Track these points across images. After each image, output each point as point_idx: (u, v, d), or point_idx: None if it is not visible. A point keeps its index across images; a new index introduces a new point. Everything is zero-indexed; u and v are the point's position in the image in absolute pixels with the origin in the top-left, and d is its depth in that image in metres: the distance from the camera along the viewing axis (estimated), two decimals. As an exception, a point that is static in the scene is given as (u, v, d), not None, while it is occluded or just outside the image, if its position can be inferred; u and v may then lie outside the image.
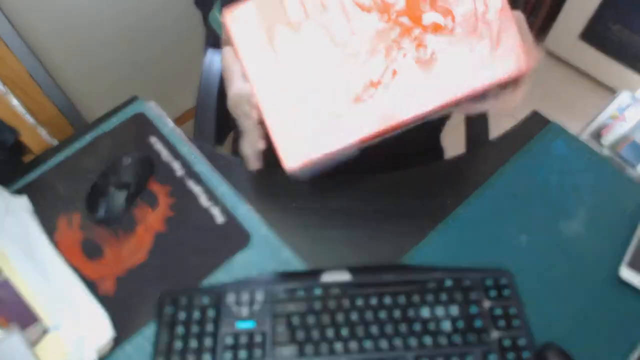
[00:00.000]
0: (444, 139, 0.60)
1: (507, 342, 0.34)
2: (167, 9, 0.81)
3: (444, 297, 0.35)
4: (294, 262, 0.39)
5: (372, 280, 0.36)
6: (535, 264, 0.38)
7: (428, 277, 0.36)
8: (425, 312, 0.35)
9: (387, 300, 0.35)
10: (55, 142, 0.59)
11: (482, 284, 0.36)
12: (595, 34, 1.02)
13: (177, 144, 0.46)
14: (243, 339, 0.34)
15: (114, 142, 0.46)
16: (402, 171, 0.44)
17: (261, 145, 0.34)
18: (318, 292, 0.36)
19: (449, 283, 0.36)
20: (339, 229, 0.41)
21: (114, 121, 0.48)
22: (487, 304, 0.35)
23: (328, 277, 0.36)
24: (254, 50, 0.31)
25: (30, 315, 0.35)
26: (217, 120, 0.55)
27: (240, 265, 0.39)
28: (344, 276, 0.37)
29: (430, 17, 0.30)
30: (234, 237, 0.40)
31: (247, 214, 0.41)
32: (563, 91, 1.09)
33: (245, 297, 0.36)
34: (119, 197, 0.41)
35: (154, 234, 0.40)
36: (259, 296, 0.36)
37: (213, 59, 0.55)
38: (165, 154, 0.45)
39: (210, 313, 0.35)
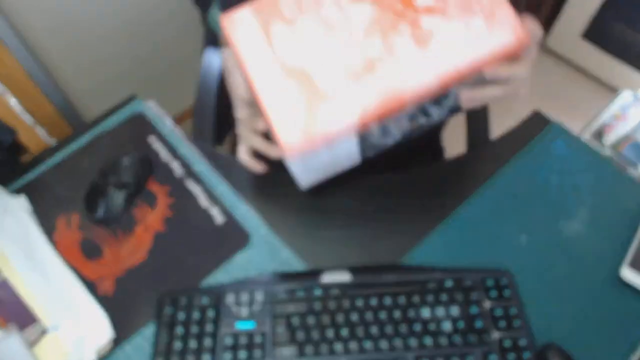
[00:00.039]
0: (444, 139, 0.60)
1: (507, 343, 0.34)
2: (166, 8, 0.81)
3: (444, 297, 0.35)
4: (294, 262, 0.39)
5: (372, 281, 0.36)
6: (535, 264, 0.38)
7: (428, 277, 0.36)
8: (425, 313, 0.35)
9: (387, 300, 0.35)
10: (53, 142, 0.58)
11: (482, 284, 0.36)
12: (597, 33, 1.02)
13: (176, 143, 0.45)
14: (243, 340, 0.34)
15: (112, 142, 0.46)
16: (402, 171, 0.44)
17: (260, 144, 0.34)
18: (318, 292, 0.36)
19: (449, 283, 0.36)
20: (339, 229, 0.41)
21: (113, 120, 0.47)
22: (487, 304, 0.35)
23: (328, 278, 0.36)
24: (252, 52, 0.31)
25: (29, 316, 0.35)
26: (216, 119, 0.54)
27: (240, 266, 0.39)
28: (344, 276, 0.36)
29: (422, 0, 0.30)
30: (234, 237, 0.40)
31: (247, 214, 0.41)
32: (565, 90, 1.09)
33: (245, 297, 0.36)
34: (118, 197, 0.41)
35: (154, 234, 0.40)
36: (259, 296, 0.36)
37: (212, 58, 0.55)
38: (164, 153, 0.45)
39: (210, 313, 0.35)
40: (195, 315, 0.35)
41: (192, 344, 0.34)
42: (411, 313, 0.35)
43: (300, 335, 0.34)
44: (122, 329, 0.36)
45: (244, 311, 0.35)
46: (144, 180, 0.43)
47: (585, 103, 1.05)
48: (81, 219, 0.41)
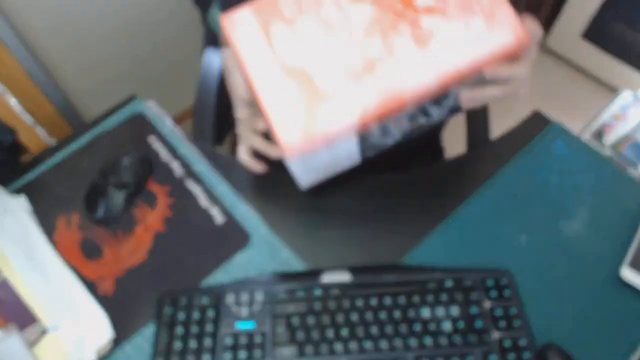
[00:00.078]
0: (444, 138, 0.60)
1: (507, 343, 0.34)
2: (166, 8, 0.81)
3: (444, 297, 0.35)
4: (294, 262, 0.39)
5: (372, 281, 0.36)
6: (535, 264, 0.38)
7: (428, 277, 0.36)
8: (425, 313, 0.35)
9: (387, 300, 0.35)
10: (53, 142, 0.58)
11: (482, 284, 0.36)
12: (597, 33, 1.02)
13: (176, 143, 0.45)
14: (243, 340, 0.34)
15: (112, 142, 0.46)
16: (402, 171, 0.44)
17: (260, 144, 0.34)
18: (318, 292, 0.36)
19: (449, 283, 0.36)
20: (339, 229, 0.41)
21: (113, 120, 0.47)
22: (487, 304, 0.35)
23: (328, 278, 0.36)
24: (252, 52, 0.31)
25: (29, 316, 0.35)
26: (216, 119, 0.54)
27: (240, 266, 0.39)
28: (344, 276, 0.36)
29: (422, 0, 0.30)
30: (234, 237, 0.40)
31: (247, 214, 0.41)
32: (565, 90, 1.09)
33: (244, 297, 0.36)
34: (118, 197, 0.41)
35: (154, 234, 0.40)
36: (259, 296, 0.36)
37: (212, 58, 0.55)
38: (164, 153, 0.45)
39: (210, 313, 0.35)
40: (195, 315, 0.35)
41: (192, 344, 0.34)
42: (411, 313, 0.35)
43: (300, 335, 0.34)
44: (122, 329, 0.36)
45: (244, 311, 0.35)
46: (144, 180, 0.43)
47: (585, 103, 1.05)
48: (81, 219, 0.41)
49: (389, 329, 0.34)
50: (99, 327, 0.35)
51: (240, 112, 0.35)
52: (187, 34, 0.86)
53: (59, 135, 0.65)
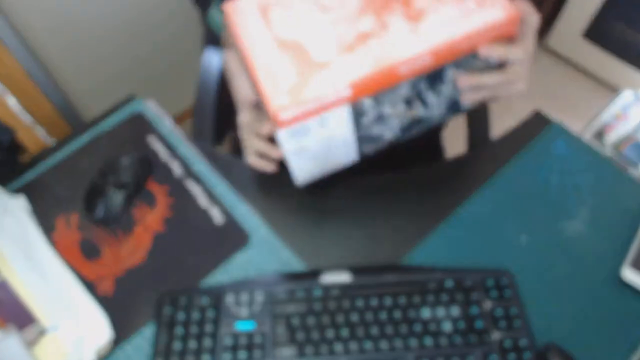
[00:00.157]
0: (444, 138, 0.59)
1: (508, 343, 0.33)
2: (166, 8, 0.81)
3: (444, 297, 0.35)
4: (294, 262, 0.39)
5: (372, 281, 0.36)
6: (536, 264, 0.38)
7: (428, 277, 0.36)
8: (425, 313, 0.35)
9: (388, 300, 0.35)
10: (53, 142, 0.58)
11: (483, 284, 0.36)
12: (598, 32, 1.02)
13: (175, 143, 0.45)
14: (243, 340, 0.34)
15: (112, 142, 0.46)
16: (402, 171, 0.44)
17: (271, 150, 0.34)
18: (318, 292, 0.35)
19: (449, 283, 0.36)
20: (339, 229, 0.41)
21: (112, 120, 0.47)
22: (488, 304, 0.35)
23: (328, 278, 0.36)
24: (251, 32, 0.32)
25: (28, 316, 0.35)
26: (215, 119, 0.54)
27: (240, 266, 0.38)
28: (344, 277, 0.36)
29: None
30: (233, 237, 0.40)
31: (247, 214, 0.41)
32: (565, 90, 1.08)
33: (244, 297, 0.36)
34: (118, 197, 0.41)
35: (153, 234, 0.40)
36: (259, 297, 0.35)
37: (211, 58, 0.54)
38: (163, 153, 0.45)
39: (210, 313, 0.35)
40: (195, 315, 0.35)
41: (192, 344, 0.34)
42: (411, 313, 0.34)
43: (300, 335, 0.34)
44: (122, 329, 0.35)
45: (244, 311, 0.35)
46: (143, 180, 0.43)
47: (585, 103, 1.04)
48: (80, 219, 0.41)
49: (389, 329, 0.34)
50: (98, 328, 0.35)
51: (243, 116, 0.35)
52: (186, 34, 0.86)
53: (58, 135, 0.65)
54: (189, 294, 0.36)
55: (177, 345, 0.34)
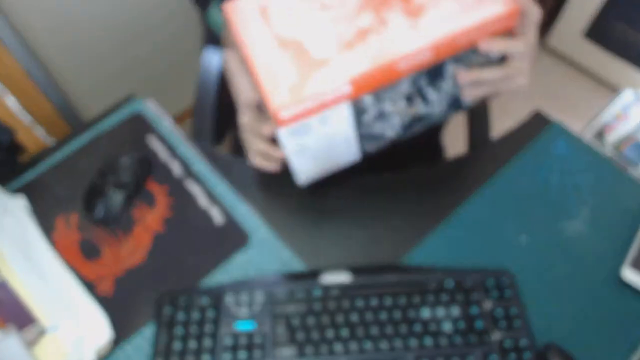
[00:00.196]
0: (444, 138, 0.59)
1: (508, 343, 0.33)
2: (165, 7, 0.81)
3: (444, 297, 0.35)
4: (294, 262, 0.39)
5: (372, 281, 0.36)
6: (536, 264, 0.38)
7: (428, 277, 0.36)
8: (425, 313, 0.35)
9: (388, 301, 0.35)
10: (52, 142, 0.58)
11: (483, 284, 0.36)
12: (598, 32, 1.02)
13: (175, 143, 0.45)
14: (242, 340, 0.34)
15: (111, 142, 0.46)
16: (402, 171, 0.43)
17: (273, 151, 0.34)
18: (318, 292, 0.35)
19: (449, 284, 0.36)
20: (339, 229, 0.41)
21: (112, 120, 0.47)
22: (488, 304, 0.35)
23: (328, 278, 0.36)
24: (251, 31, 0.32)
25: (27, 316, 0.35)
26: (215, 119, 0.54)
27: (240, 266, 0.38)
28: (344, 277, 0.36)
29: None
30: (233, 237, 0.40)
31: (247, 214, 0.41)
32: (565, 90, 1.08)
33: (244, 297, 0.35)
34: (117, 197, 0.41)
35: (153, 234, 0.40)
36: (259, 297, 0.35)
37: (211, 57, 0.54)
38: (163, 153, 0.45)
39: (210, 313, 0.35)
40: (195, 315, 0.35)
41: (192, 344, 0.34)
42: (411, 313, 0.34)
43: (300, 335, 0.34)
44: (122, 329, 0.35)
45: (244, 311, 0.35)
46: (143, 180, 0.43)
47: (586, 102, 1.04)
48: (80, 219, 0.41)
49: (389, 330, 0.34)
50: (98, 328, 0.35)
51: (245, 117, 0.35)
52: (186, 34, 0.86)
53: (57, 135, 0.65)
54: (189, 294, 0.36)
55: (177, 345, 0.34)
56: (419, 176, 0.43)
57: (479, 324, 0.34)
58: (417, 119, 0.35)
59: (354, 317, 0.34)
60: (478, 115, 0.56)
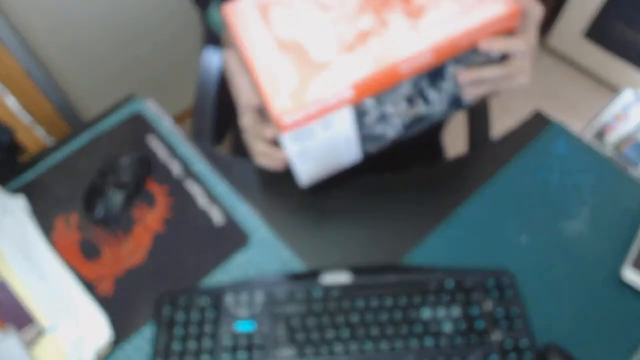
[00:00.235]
0: (444, 138, 0.59)
1: (508, 343, 0.33)
2: (165, 7, 0.81)
3: (445, 298, 0.35)
4: (294, 262, 0.38)
5: (372, 281, 0.36)
6: (536, 264, 0.38)
7: (429, 277, 0.36)
8: (426, 313, 0.34)
9: (388, 301, 0.35)
10: (52, 141, 0.58)
11: (483, 284, 0.36)
12: (598, 32, 1.02)
13: (175, 143, 0.45)
14: (242, 340, 0.34)
15: (111, 142, 0.46)
16: (402, 171, 0.43)
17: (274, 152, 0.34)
18: (318, 293, 0.35)
19: (450, 284, 0.36)
20: (339, 229, 0.40)
21: (112, 120, 0.47)
22: (488, 305, 0.35)
23: (328, 278, 0.36)
24: (251, 34, 0.31)
25: (27, 316, 0.35)
26: (215, 119, 0.54)
27: (240, 266, 0.38)
28: (344, 277, 0.36)
29: None
30: (233, 237, 0.40)
31: (246, 214, 0.41)
32: (566, 90, 1.08)
33: (244, 297, 0.35)
34: (117, 197, 0.41)
35: (153, 234, 0.40)
36: (259, 297, 0.35)
37: (211, 57, 0.54)
38: (163, 153, 0.45)
39: (210, 314, 0.35)
40: (195, 315, 0.35)
41: (192, 344, 0.34)
42: (412, 314, 0.34)
43: (300, 336, 0.34)
44: (122, 330, 0.35)
45: (244, 312, 0.35)
46: (143, 180, 0.43)
47: (586, 102, 1.04)
48: (80, 219, 0.41)
49: (389, 330, 0.34)
50: (97, 328, 0.35)
51: (246, 119, 0.35)
52: (186, 34, 0.86)
53: (57, 135, 0.65)
54: (189, 294, 0.36)
55: (176, 346, 0.34)
56: (419, 176, 0.43)
57: (479, 324, 0.34)
58: (418, 119, 0.35)
59: (354, 318, 0.34)
60: (478, 114, 0.56)
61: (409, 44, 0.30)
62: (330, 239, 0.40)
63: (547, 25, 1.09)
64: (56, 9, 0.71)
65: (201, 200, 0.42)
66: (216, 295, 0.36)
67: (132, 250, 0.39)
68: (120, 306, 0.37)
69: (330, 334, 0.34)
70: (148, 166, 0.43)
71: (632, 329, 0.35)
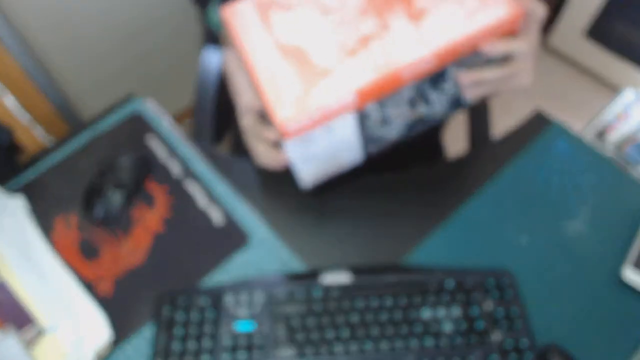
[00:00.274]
0: (444, 138, 0.59)
1: (508, 344, 0.33)
2: (165, 7, 0.81)
3: (445, 298, 0.35)
4: (294, 263, 0.38)
5: (372, 281, 0.36)
6: (536, 264, 0.38)
7: (429, 278, 0.36)
8: (426, 313, 0.34)
9: (388, 301, 0.35)
10: (51, 141, 0.58)
11: (483, 284, 0.36)
12: (600, 31, 1.01)
13: (174, 143, 0.45)
14: (242, 340, 0.34)
15: (110, 141, 0.45)
16: (402, 171, 0.43)
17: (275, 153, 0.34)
18: (318, 293, 0.35)
19: (450, 284, 0.36)
20: (339, 229, 0.40)
21: (111, 120, 0.47)
22: (488, 305, 0.35)
23: (328, 278, 0.36)
24: (252, 38, 0.31)
25: (26, 317, 0.35)
26: (215, 119, 0.54)
27: (239, 266, 0.38)
28: (344, 277, 0.36)
29: None
30: (233, 237, 0.40)
31: (246, 214, 0.41)
32: (567, 89, 1.08)
33: (244, 297, 0.35)
34: (116, 197, 0.41)
35: (152, 234, 0.40)
36: (259, 297, 0.35)
37: (211, 57, 0.54)
38: (162, 153, 0.45)
39: (209, 314, 0.35)
40: (195, 315, 0.35)
41: (192, 344, 0.34)
42: (412, 314, 0.34)
43: (300, 336, 0.34)
44: (122, 330, 0.35)
45: (244, 312, 0.35)
46: (142, 180, 0.43)
47: (587, 102, 1.04)
48: (79, 219, 0.41)
49: (389, 330, 0.34)
50: (97, 328, 0.34)
51: (247, 121, 0.34)
52: (185, 33, 0.85)
53: (56, 134, 0.65)
54: (189, 294, 0.36)
55: (176, 346, 0.34)
56: (420, 176, 0.43)
57: (480, 324, 0.34)
58: (419, 120, 0.35)
59: (355, 318, 0.34)
60: (478, 114, 0.55)
61: (411, 48, 0.30)
62: (330, 239, 0.40)
63: (548, 24, 1.09)
64: (55, 8, 0.70)
65: (201, 200, 0.42)
66: (216, 295, 0.36)
67: (131, 250, 0.39)
68: (120, 306, 0.37)
69: (330, 334, 0.34)
70: (148, 166, 0.43)
71: (632, 329, 0.35)
